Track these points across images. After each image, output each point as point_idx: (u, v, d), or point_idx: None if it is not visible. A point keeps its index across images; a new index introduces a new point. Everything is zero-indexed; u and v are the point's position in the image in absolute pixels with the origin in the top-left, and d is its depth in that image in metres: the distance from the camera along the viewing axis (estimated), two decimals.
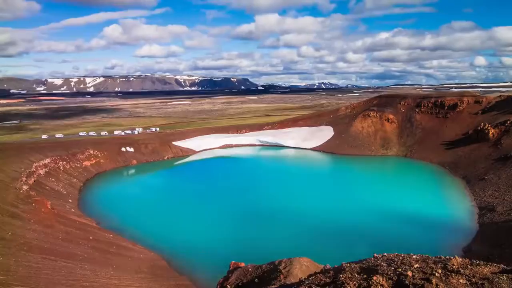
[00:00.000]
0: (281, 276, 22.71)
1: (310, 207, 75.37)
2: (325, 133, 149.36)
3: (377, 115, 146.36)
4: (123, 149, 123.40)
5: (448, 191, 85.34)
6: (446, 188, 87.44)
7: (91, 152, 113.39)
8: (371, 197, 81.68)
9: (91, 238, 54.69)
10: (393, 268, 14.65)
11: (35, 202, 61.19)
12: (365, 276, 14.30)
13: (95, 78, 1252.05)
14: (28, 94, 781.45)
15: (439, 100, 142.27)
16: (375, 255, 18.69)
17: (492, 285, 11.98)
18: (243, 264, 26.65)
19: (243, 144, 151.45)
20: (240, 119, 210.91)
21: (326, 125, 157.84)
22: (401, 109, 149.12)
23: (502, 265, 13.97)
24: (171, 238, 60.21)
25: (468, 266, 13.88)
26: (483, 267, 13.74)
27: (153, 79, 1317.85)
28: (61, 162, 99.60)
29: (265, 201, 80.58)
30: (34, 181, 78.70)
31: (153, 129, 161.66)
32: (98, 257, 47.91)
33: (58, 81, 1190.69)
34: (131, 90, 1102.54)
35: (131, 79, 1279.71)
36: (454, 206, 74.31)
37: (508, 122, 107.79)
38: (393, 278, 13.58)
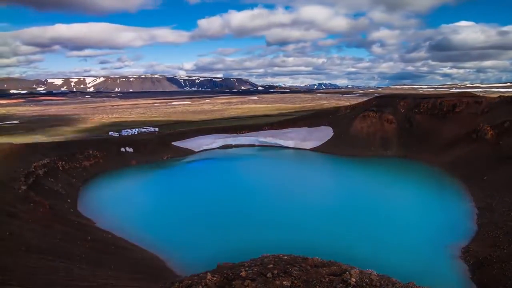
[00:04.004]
0: None
1: (308, 208, 75.40)
2: (324, 134, 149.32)
3: (377, 115, 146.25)
4: (122, 149, 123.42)
5: (447, 191, 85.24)
6: (445, 188, 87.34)
7: (91, 152, 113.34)
8: (370, 197, 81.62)
9: (89, 238, 54.62)
10: (246, 269, 15.80)
11: (34, 202, 61.22)
12: (201, 275, 15.90)
13: (95, 78, 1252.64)
14: (28, 95, 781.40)
15: (439, 101, 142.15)
16: (264, 255, 19.74)
17: (308, 286, 13.05)
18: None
19: (242, 144, 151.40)
20: (239, 120, 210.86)
21: (325, 125, 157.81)
22: (401, 109, 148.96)
23: (350, 267, 14.63)
24: (169, 239, 60.13)
25: (309, 268, 14.65)
26: (325, 268, 14.44)
27: (153, 79, 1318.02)
28: (60, 162, 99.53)
29: (264, 201, 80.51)
30: (33, 181, 78.57)
31: (152, 129, 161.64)
32: (96, 257, 47.83)
33: (58, 81, 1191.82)
34: (131, 90, 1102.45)
35: (131, 79, 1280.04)
36: (453, 206, 74.24)
37: (507, 122, 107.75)
38: (229, 277, 14.72)
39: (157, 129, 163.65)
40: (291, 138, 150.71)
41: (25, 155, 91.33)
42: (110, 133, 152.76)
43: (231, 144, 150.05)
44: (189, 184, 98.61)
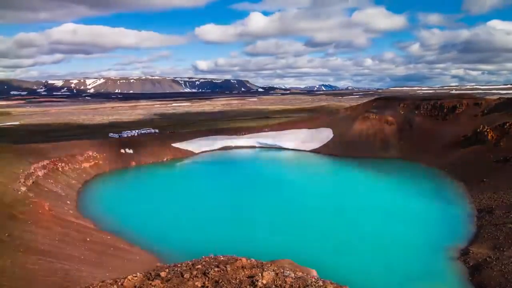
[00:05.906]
0: None
1: (307, 209, 75.37)
2: (324, 135, 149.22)
3: (377, 117, 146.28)
4: (122, 150, 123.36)
5: (447, 193, 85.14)
6: (445, 190, 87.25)
7: (90, 153, 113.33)
8: (369, 199, 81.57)
9: (88, 239, 54.56)
10: (169, 269, 16.38)
11: (33, 204, 61.11)
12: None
13: (95, 79, 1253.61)
14: (28, 96, 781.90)
15: (439, 103, 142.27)
16: (212, 255, 20.40)
17: (216, 287, 13.52)
18: None
19: (242, 146, 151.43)
20: (239, 121, 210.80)
21: (325, 127, 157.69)
22: (401, 111, 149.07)
23: (278, 268, 14.85)
24: (168, 240, 60.09)
25: (230, 269, 15.41)
26: (248, 270, 14.74)
27: (153, 81, 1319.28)
28: (60, 164, 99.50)
29: (263, 203, 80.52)
30: (33, 182, 78.56)
31: (152, 131, 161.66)
32: (95, 259, 47.81)
33: (59, 83, 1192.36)
34: (131, 92, 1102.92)
35: (132, 81, 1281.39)
36: (452, 208, 74.18)
37: (507, 124, 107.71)
38: (150, 277, 15.33)
39: (157, 130, 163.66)
40: (291, 140, 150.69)
41: (25, 156, 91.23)
42: (110, 134, 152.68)
43: (231, 146, 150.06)
44: (189, 186, 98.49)
